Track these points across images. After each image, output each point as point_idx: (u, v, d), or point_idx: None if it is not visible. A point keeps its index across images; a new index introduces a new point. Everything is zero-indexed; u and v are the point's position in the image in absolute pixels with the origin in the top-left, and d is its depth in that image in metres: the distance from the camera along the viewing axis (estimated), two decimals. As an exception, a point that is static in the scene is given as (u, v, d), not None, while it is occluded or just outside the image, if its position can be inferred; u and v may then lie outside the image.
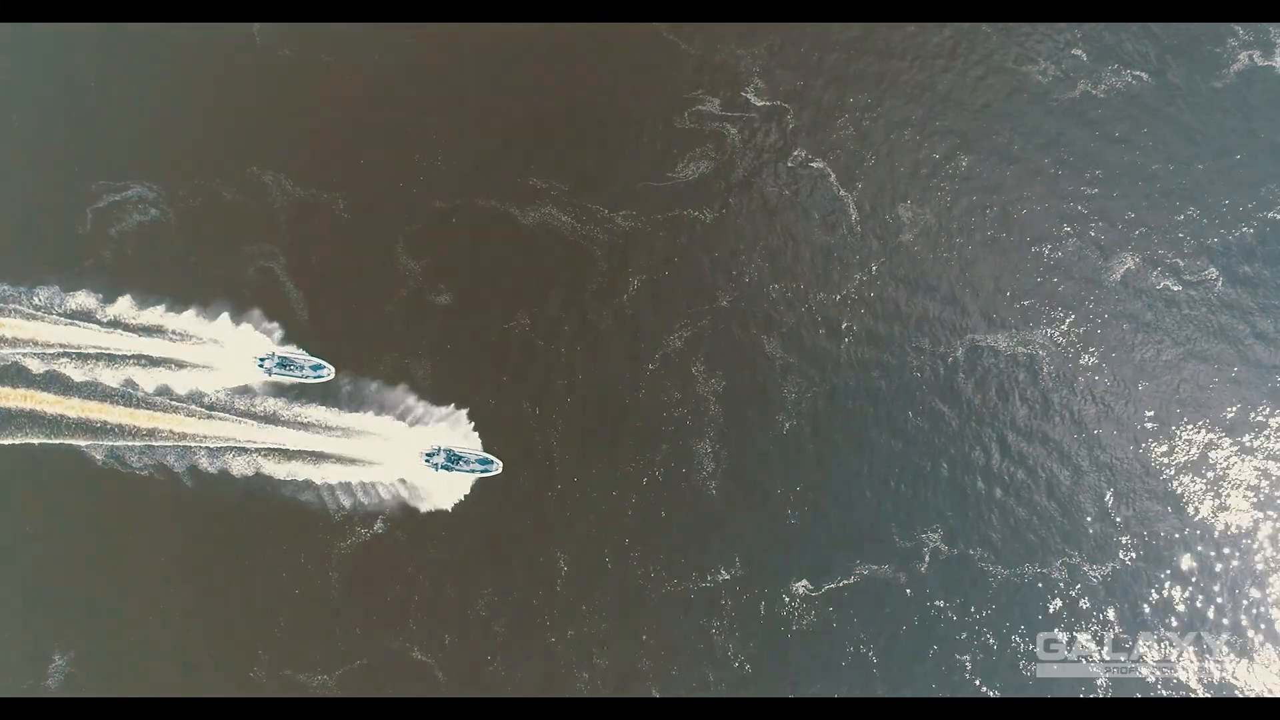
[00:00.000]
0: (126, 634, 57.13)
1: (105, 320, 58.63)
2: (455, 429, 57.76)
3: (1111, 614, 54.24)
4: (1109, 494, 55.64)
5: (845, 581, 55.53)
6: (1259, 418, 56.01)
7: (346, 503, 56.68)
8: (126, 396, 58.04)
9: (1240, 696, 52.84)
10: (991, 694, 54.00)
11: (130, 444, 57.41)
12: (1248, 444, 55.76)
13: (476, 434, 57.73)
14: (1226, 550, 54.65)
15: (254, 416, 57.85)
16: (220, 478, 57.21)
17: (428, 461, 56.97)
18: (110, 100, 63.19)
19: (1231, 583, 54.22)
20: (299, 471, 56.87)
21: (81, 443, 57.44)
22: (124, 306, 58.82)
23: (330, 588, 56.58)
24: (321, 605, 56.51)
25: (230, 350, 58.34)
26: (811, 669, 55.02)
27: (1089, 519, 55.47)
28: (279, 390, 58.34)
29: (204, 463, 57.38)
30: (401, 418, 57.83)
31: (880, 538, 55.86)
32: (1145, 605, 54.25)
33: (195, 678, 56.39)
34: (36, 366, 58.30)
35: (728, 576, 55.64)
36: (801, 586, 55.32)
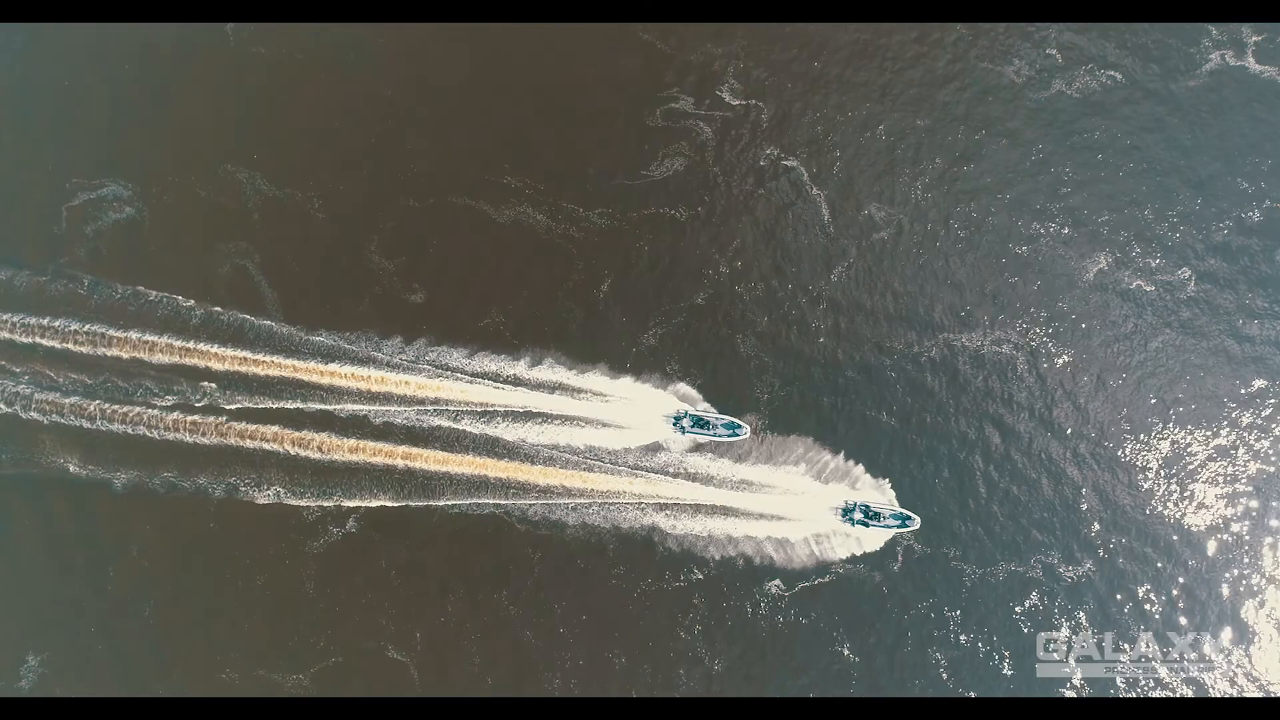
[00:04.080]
0: (99, 635, 56.98)
1: (507, 378, 57.52)
2: (856, 484, 56.42)
3: (1101, 615, 54.33)
4: (1086, 492, 55.72)
5: (820, 580, 55.55)
6: (1234, 415, 56.16)
7: (760, 559, 55.49)
8: (535, 454, 57.06)
9: (1239, 697, 53.05)
10: (967, 694, 54.05)
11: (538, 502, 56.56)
12: (1226, 443, 55.89)
13: (890, 488, 56.37)
14: (1216, 551, 54.75)
15: (655, 471, 56.80)
16: (629, 534, 56.22)
17: (844, 518, 55.77)
18: (84, 98, 63.02)
19: (1218, 582, 54.39)
20: (713, 527, 55.72)
21: (507, 501, 56.58)
22: (523, 366, 57.73)
23: (303, 588, 56.45)
24: (295, 605, 56.40)
25: (640, 408, 57.20)
26: (784, 668, 55.08)
27: (1065, 518, 55.53)
28: (669, 444, 57.25)
29: (626, 518, 56.30)
30: (812, 474, 56.56)
31: (853, 536, 56.03)
32: (1134, 605, 54.35)
33: (168, 678, 56.27)
34: (448, 423, 57.39)
35: (701, 576, 55.65)
36: (774, 586, 55.37)
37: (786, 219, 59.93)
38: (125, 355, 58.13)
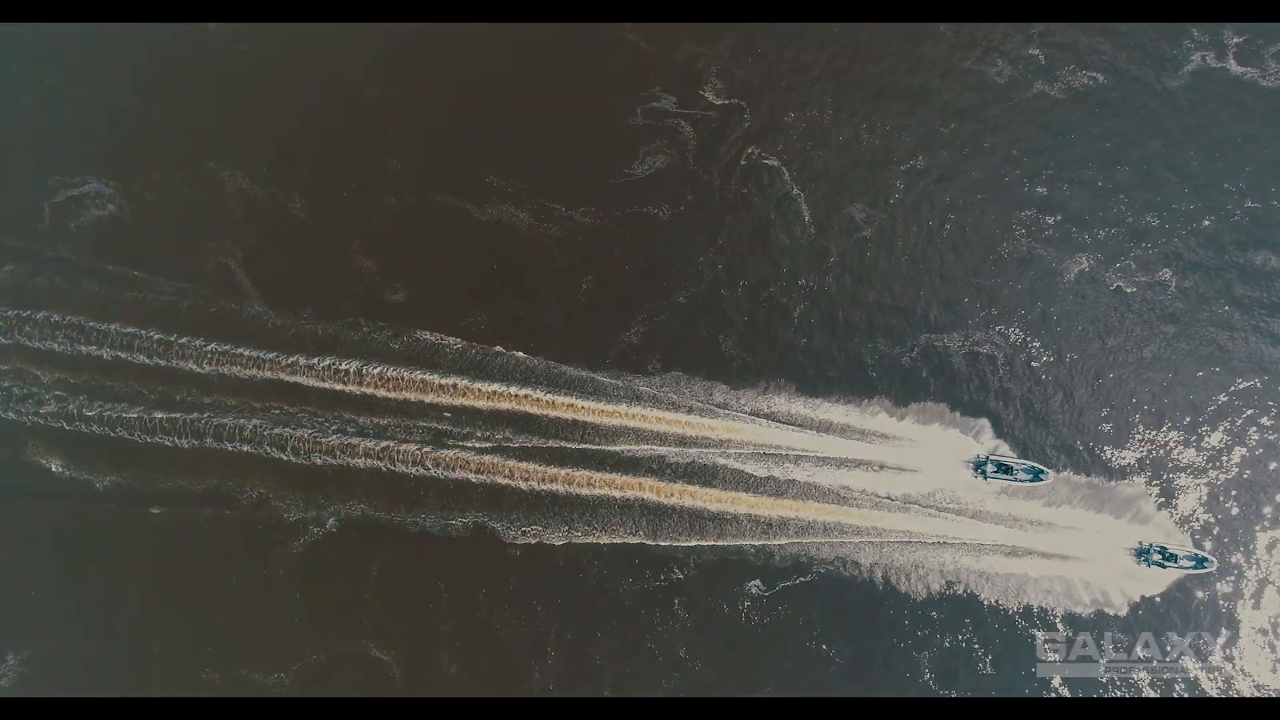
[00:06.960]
0: (80, 635, 56.74)
1: (789, 419, 56.37)
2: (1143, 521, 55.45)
3: (1100, 615, 54.63)
4: (1071, 491, 55.88)
5: (802, 579, 55.61)
6: (1224, 414, 56.47)
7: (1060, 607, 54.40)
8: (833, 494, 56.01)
9: (1239, 696, 53.30)
10: (948, 694, 54.17)
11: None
12: (1216, 442, 56.26)
13: (1181, 530, 55.44)
14: (1213, 550, 55.07)
15: (938, 508, 55.68)
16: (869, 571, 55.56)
17: (1140, 559, 54.45)
18: (66, 96, 62.72)
19: (1218, 581, 54.76)
20: (998, 566, 54.60)
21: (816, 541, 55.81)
22: (801, 405, 56.62)
23: (285, 586, 56.31)
24: (276, 604, 56.23)
25: (932, 452, 55.80)
26: (764, 668, 55.21)
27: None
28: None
29: (896, 558, 55.25)
30: (1105, 511, 55.46)
31: (834, 536, 56.03)
32: (1133, 605, 54.60)
33: (149, 678, 56.08)
34: (754, 469, 56.49)
35: (681, 576, 55.68)
36: (754, 586, 55.42)
37: (769, 218, 59.96)
38: (107, 356, 57.90)
